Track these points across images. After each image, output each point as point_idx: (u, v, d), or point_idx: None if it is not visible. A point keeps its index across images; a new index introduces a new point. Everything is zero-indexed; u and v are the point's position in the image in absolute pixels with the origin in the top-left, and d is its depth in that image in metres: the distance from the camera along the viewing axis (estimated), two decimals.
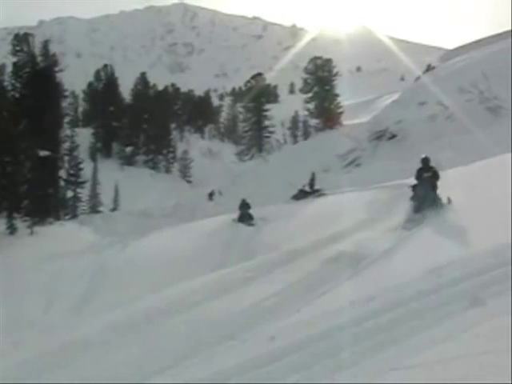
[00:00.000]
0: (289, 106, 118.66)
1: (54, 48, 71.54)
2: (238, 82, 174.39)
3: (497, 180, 16.80)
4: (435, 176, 16.89)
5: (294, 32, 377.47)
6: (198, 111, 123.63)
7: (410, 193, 17.35)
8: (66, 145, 51.61)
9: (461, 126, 41.95)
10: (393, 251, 12.81)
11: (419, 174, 17.13)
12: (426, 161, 17.17)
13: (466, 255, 10.05)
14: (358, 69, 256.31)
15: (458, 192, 18.28)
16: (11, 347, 10.18)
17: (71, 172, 51.04)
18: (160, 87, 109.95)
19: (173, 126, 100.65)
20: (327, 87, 72.49)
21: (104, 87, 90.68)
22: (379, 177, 29.53)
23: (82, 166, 52.33)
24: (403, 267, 10.97)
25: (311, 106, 73.14)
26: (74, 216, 47.86)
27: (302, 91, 77.84)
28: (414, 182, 17.50)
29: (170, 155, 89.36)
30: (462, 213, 15.12)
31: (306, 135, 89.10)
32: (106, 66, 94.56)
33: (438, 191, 16.47)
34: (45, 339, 11.01)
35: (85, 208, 54.84)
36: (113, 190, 61.61)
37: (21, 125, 33.89)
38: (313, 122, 76.56)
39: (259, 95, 79.75)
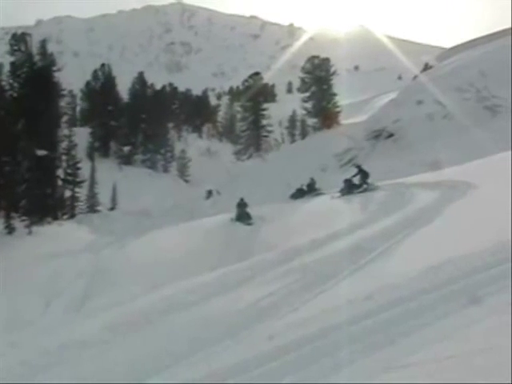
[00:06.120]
0: (286, 106, 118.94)
1: (51, 47, 71.78)
2: (236, 81, 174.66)
3: (495, 178, 16.81)
4: (365, 175, 26.96)
5: (292, 31, 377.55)
6: (195, 110, 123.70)
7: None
8: (64, 144, 51.48)
9: (458, 125, 42.03)
10: (390, 250, 12.80)
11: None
12: (358, 167, 27.46)
13: (464, 253, 10.05)
14: (356, 68, 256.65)
15: (456, 191, 18.37)
16: (9, 347, 10.15)
17: (69, 171, 50.89)
18: (158, 87, 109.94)
19: (171, 125, 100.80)
20: (325, 86, 72.46)
21: (102, 86, 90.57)
22: (377, 176, 29.50)
23: (79, 165, 52.20)
24: (400, 266, 10.98)
25: (309, 105, 73.15)
26: (72, 216, 47.79)
27: (300, 90, 77.84)
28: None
29: (168, 155, 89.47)
30: (460, 211, 15.16)
31: (304, 134, 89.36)
32: (103, 65, 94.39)
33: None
34: (42, 339, 10.98)
35: (83, 207, 54.84)
36: (111, 189, 61.76)
37: (19, 124, 33.93)
38: (310, 121, 76.71)
39: (257, 94, 79.76)
